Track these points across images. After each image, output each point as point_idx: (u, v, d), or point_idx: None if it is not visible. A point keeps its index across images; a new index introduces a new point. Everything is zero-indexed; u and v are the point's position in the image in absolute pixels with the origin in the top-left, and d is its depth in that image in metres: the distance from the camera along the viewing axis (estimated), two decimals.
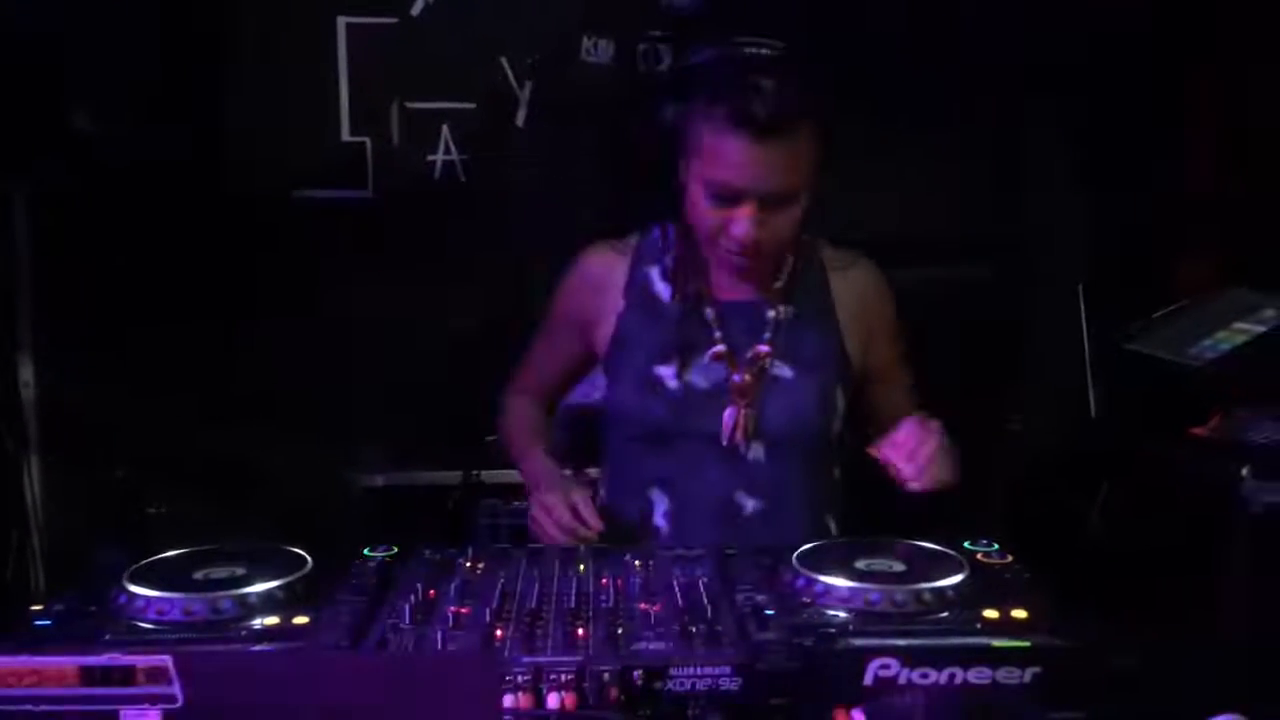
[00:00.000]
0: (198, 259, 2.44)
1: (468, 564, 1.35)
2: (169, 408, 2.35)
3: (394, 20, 2.59)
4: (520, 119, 2.68)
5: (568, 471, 1.78)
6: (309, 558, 1.28)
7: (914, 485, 1.49)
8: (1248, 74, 2.44)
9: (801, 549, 1.30)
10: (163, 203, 2.42)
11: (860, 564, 1.25)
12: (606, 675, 1.05)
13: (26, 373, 2.44)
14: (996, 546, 1.34)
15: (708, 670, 1.05)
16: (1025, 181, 2.67)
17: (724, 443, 1.69)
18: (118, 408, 2.33)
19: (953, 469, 1.52)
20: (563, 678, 1.05)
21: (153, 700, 0.89)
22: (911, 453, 1.49)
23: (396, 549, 1.38)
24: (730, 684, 1.05)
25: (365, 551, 1.36)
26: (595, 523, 1.55)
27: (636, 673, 1.05)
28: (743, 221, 1.58)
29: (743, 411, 1.68)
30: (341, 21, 2.57)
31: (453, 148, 2.64)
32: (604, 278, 1.79)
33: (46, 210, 2.39)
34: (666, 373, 1.71)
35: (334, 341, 2.47)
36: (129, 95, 2.36)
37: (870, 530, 1.40)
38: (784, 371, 1.71)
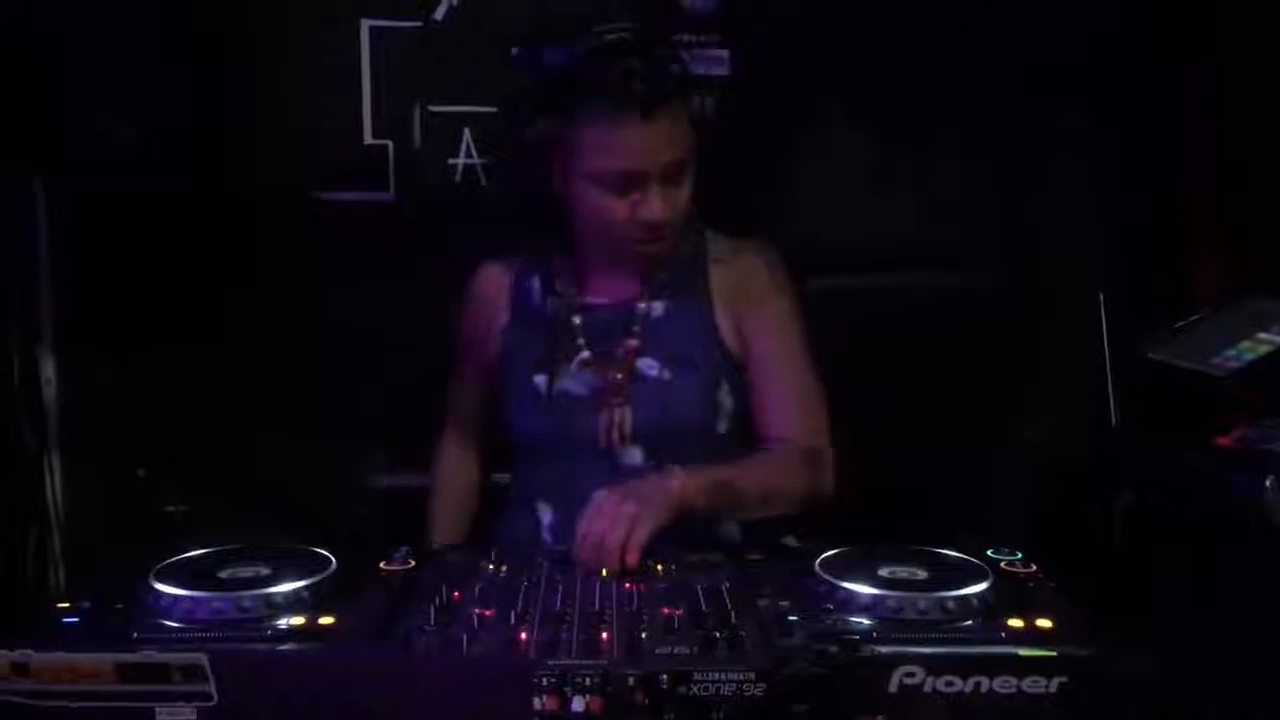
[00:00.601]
0: (220, 261, 2.44)
1: (491, 567, 1.35)
2: (189, 407, 2.36)
3: (417, 24, 2.60)
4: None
5: None
6: (333, 558, 1.29)
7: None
8: (1248, 74, 2.41)
9: (825, 555, 1.30)
10: (184, 206, 2.43)
11: (884, 571, 1.25)
12: (631, 679, 1.06)
13: (49, 369, 2.45)
14: (1020, 555, 1.33)
15: (732, 675, 1.06)
16: (1038, 187, 2.66)
17: (600, 446, 1.64)
18: (139, 406, 2.34)
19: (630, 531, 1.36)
20: (587, 681, 1.05)
21: (188, 698, 0.90)
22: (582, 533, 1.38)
23: (419, 551, 1.39)
24: (754, 689, 1.05)
25: (388, 553, 1.37)
26: None
27: (661, 677, 1.05)
28: (653, 201, 1.56)
29: (615, 411, 1.65)
30: (365, 24, 2.58)
31: (474, 151, 2.64)
32: (491, 293, 1.79)
33: (66, 211, 2.40)
34: (541, 381, 1.69)
35: (359, 342, 2.47)
36: (149, 98, 2.36)
37: (891, 538, 1.39)
38: (654, 369, 1.67)
